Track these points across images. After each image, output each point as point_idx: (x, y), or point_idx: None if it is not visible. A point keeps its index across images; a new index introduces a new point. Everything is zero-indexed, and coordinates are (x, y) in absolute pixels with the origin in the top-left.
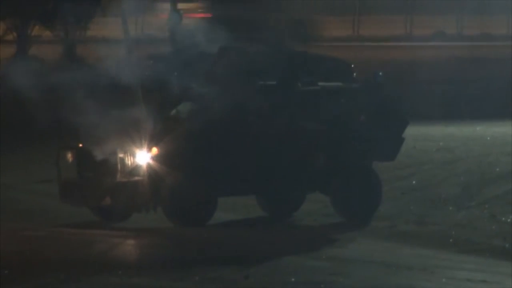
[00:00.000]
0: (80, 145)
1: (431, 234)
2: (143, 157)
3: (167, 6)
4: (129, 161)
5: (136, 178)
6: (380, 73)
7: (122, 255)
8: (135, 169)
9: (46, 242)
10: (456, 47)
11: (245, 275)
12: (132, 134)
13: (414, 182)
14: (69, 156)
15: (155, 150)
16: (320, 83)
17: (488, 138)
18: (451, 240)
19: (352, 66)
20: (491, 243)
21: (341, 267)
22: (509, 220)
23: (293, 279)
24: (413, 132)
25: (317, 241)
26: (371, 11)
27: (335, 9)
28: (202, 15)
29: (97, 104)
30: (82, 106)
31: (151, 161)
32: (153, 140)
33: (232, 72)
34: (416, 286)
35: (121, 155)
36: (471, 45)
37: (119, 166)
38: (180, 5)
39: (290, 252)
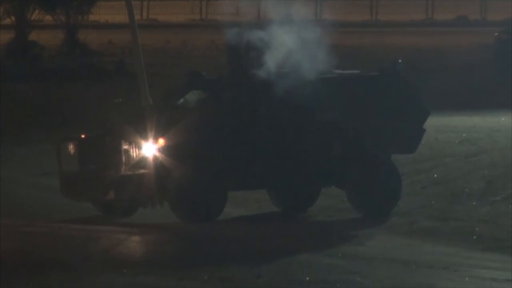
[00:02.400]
0: (83, 136)
1: (453, 231)
2: (149, 148)
3: None
4: (134, 153)
5: (142, 171)
6: (400, 61)
7: (127, 253)
8: (140, 162)
9: (47, 238)
10: (479, 32)
11: (257, 274)
12: (138, 125)
13: (435, 175)
14: (71, 147)
15: (161, 141)
16: (336, 71)
17: None
18: (474, 237)
19: None
20: None
21: (358, 265)
22: None
23: (307, 278)
24: (435, 122)
25: (333, 238)
26: None
27: None
28: None
29: None
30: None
31: (157, 153)
32: (160, 131)
33: (244, 60)
34: (438, 285)
35: (125, 146)
36: (496, 30)
37: (123, 158)
38: None
39: (304, 250)
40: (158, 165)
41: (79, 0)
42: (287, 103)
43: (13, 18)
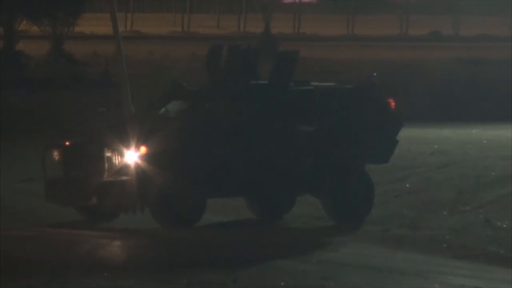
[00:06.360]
0: (67, 143)
1: (424, 239)
2: (131, 156)
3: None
4: (116, 160)
5: (124, 177)
6: (375, 74)
7: (108, 257)
8: (122, 169)
9: (30, 242)
10: (452, 47)
11: (233, 279)
12: (120, 133)
13: (407, 185)
14: (55, 154)
15: (143, 149)
16: (313, 83)
17: (484, 142)
18: (445, 245)
19: None
20: (486, 248)
21: (331, 271)
22: (504, 225)
23: (282, 283)
24: (408, 134)
25: (308, 245)
26: (366, 10)
27: (329, 7)
28: None
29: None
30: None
31: (139, 161)
32: (142, 139)
33: (223, 70)
34: None
35: (108, 154)
36: (468, 46)
37: (106, 165)
38: None
39: (280, 256)
40: (140, 172)
41: (65, 12)
42: (265, 113)
43: (0, 28)
